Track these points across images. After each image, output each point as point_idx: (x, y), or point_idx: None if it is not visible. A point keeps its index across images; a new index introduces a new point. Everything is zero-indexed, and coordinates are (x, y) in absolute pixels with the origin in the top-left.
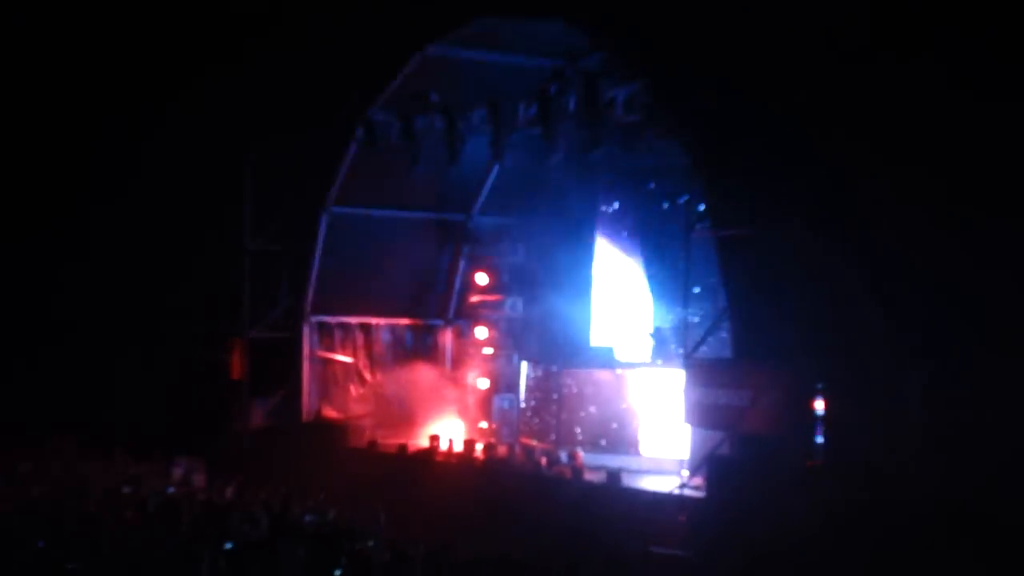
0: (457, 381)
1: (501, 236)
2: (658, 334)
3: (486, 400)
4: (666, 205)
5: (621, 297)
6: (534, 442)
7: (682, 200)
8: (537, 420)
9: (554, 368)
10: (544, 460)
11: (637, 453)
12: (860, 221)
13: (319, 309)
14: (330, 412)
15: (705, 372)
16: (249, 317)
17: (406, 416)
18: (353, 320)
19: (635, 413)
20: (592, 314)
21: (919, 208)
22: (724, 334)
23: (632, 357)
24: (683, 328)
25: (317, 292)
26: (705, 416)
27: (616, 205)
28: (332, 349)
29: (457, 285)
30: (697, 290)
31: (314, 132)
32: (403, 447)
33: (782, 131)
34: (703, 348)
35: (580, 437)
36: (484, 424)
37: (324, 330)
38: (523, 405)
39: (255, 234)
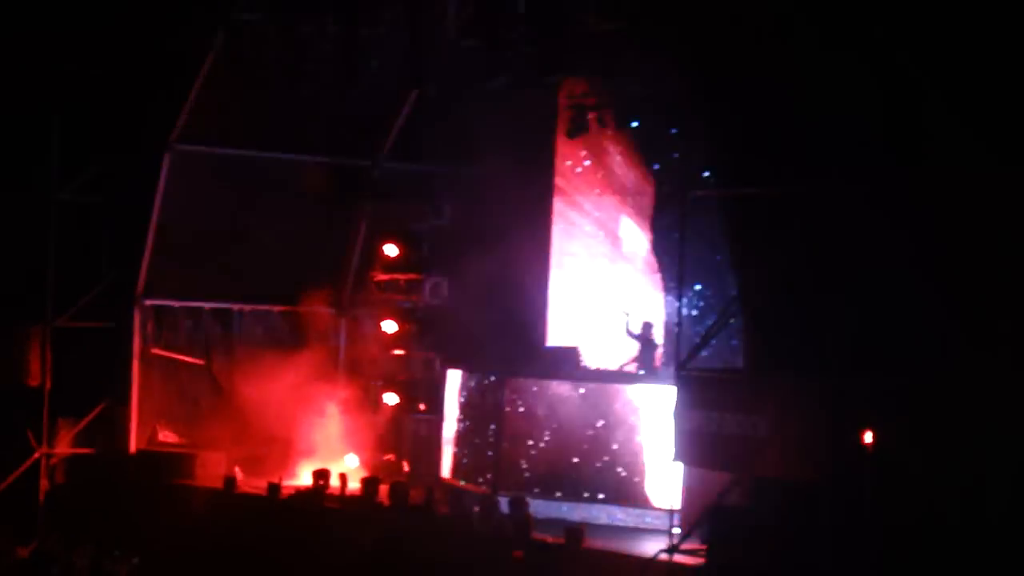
0: (354, 394)
1: (419, 191)
2: (643, 333)
3: (395, 422)
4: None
5: (590, 280)
6: (462, 483)
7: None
8: (468, 452)
9: (493, 378)
10: (477, 509)
11: (609, 501)
12: (929, 173)
13: (156, 289)
14: (169, 436)
15: (706, 389)
16: (55, 298)
17: (280, 443)
18: (206, 305)
19: (607, 444)
20: (549, 302)
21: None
22: (734, 340)
23: (604, 364)
24: (676, 327)
25: (154, 264)
26: (705, 451)
27: (583, 155)
28: (175, 346)
29: (356, 259)
30: (698, 287)
31: (157, 37)
32: (275, 488)
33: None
34: (703, 355)
35: (529, 476)
36: (391, 456)
37: (163, 318)
38: (448, 430)
39: (66, 180)
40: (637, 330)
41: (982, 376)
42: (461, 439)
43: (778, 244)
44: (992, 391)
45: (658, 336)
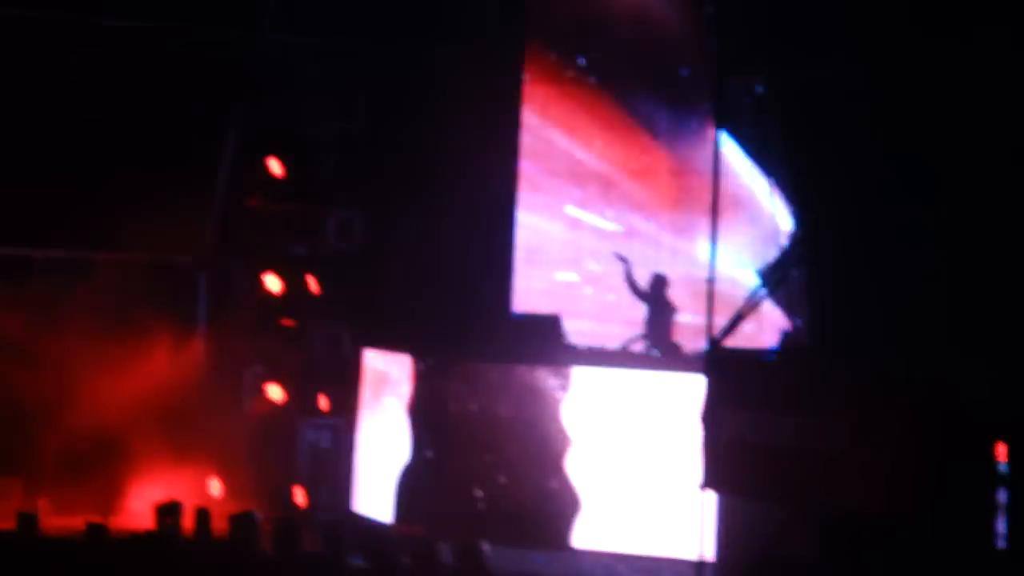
0: (219, 386)
1: (320, 78)
2: (653, 291)
3: (282, 429)
4: None
5: (578, 215)
6: (385, 521)
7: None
8: (394, 474)
9: (430, 361)
10: (407, 560)
11: (607, 549)
12: None
13: None
14: None
15: (751, 378)
16: None
17: (105, 463)
18: None
19: (604, 463)
20: (516, 248)
21: None
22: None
23: (599, 339)
24: (707, 284)
25: None
26: (750, 473)
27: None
28: None
29: (223, 181)
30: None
31: None
32: (97, 529)
33: None
34: (746, 330)
35: (485, 511)
36: (281, 483)
37: None
38: (364, 441)
39: None
40: (643, 286)
41: None
42: (383, 455)
43: (864, 157)
44: None
45: (676, 296)
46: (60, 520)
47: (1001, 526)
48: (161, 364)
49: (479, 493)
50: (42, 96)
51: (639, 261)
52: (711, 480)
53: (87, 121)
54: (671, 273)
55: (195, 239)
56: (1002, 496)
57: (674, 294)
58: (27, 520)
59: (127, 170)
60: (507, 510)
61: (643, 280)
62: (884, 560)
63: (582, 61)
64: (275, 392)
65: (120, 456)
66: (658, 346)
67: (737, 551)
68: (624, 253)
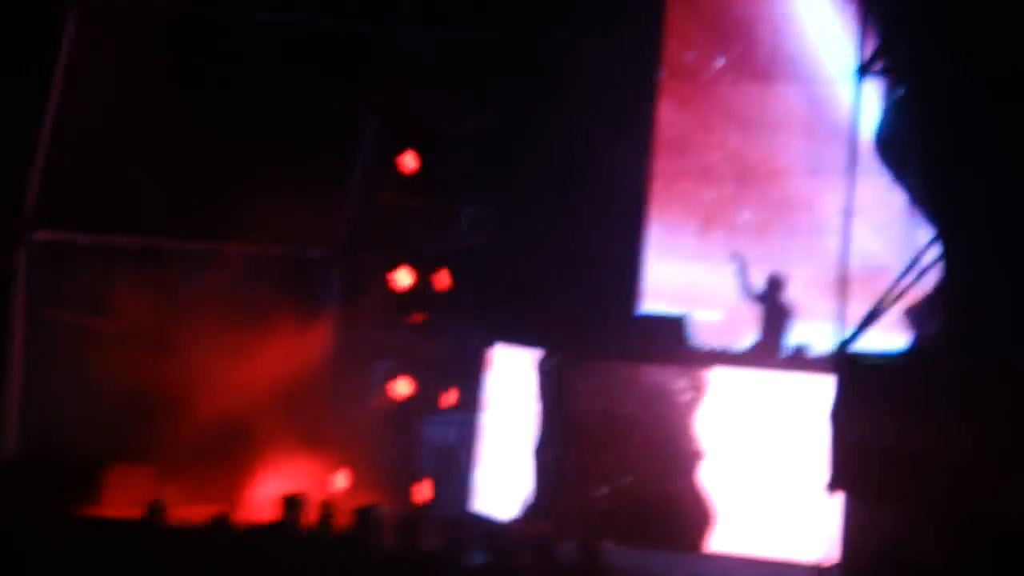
0: (347, 380)
1: (456, 74)
2: (769, 293)
3: (408, 425)
4: None
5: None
6: (507, 519)
7: None
8: (517, 472)
9: (558, 358)
10: (531, 558)
11: (730, 551)
12: None
13: (51, 217)
14: (69, 440)
15: (881, 382)
16: None
17: (232, 453)
18: (128, 241)
19: (726, 464)
20: (645, 245)
21: None
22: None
23: (729, 340)
24: (840, 285)
25: (47, 182)
26: (878, 476)
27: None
28: (77, 304)
29: (357, 176)
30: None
31: None
32: (222, 520)
33: None
34: (882, 325)
35: (607, 511)
36: (406, 478)
37: (61, 261)
38: (490, 438)
39: None
40: (758, 287)
41: None
42: (508, 452)
43: (1005, 159)
44: None
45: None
46: (187, 509)
47: None
48: (291, 356)
49: (602, 492)
50: (182, 89)
51: (768, 261)
52: (838, 483)
53: (226, 114)
54: (804, 273)
55: (329, 232)
56: None
57: (790, 292)
58: (156, 509)
59: (264, 163)
60: (630, 510)
61: (758, 278)
62: (1011, 568)
63: (721, 62)
64: (403, 387)
65: (248, 447)
66: (770, 348)
67: (862, 555)
68: (740, 253)
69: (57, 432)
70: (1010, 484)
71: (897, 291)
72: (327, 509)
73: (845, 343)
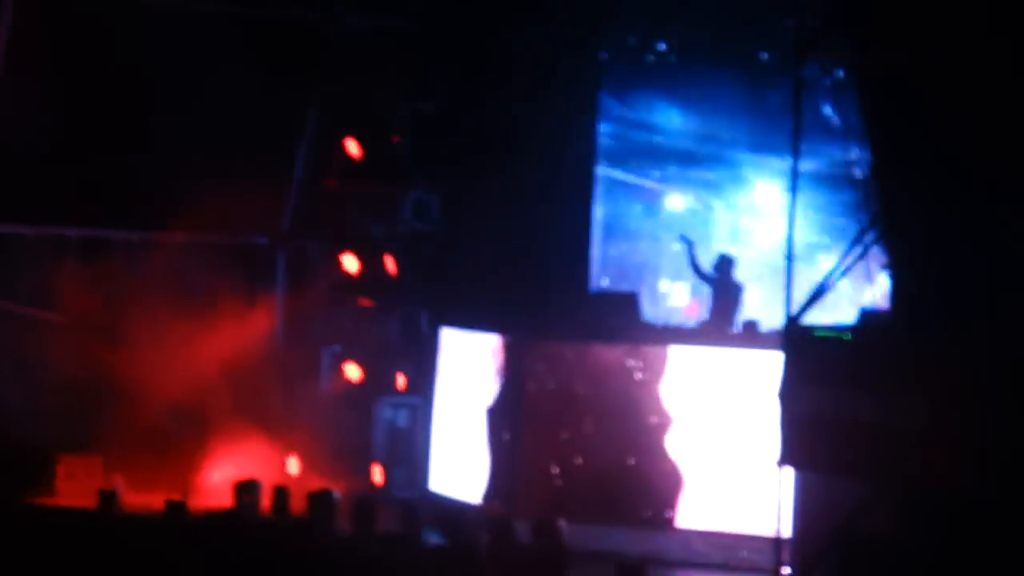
0: (297, 365)
1: (398, 61)
2: (718, 274)
3: (360, 408)
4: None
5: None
6: (462, 499)
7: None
8: (471, 452)
9: (507, 340)
10: (488, 538)
11: (684, 527)
12: None
13: None
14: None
15: (830, 356)
16: None
17: (182, 441)
18: (70, 232)
19: (680, 440)
20: (592, 224)
21: None
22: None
23: (681, 316)
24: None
25: None
26: (829, 450)
27: None
28: (19, 296)
29: (303, 160)
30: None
31: None
32: (176, 507)
33: None
34: (825, 301)
35: (562, 489)
36: (359, 462)
37: (8, 252)
38: (441, 420)
39: None
40: (707, 268)
41: None
42: (460, 433)
43: (947, 134)
44: None
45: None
46: (139, 498)
47: None
48: (238, 343)
49: (556, 471)
50: (121, 78)
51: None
52: (789, 456)
53: (167, 103)
54: (749, 253)
55: (273, 220)
56: None
57: (740, 270)
58: (107, 498)
59: (207, 152)
60: (584, 488)
61: (705, 259)
62: (963, 536)
63: (662, 46)
64: (353, 371)
65: (199, 434)
66: (722, 327)
67: (815, 527)
68: (689, 234)
69: (5, 423)
70: (961, 455)
71: (843, 267)
72: (281, 494)
73: (793, 318)
